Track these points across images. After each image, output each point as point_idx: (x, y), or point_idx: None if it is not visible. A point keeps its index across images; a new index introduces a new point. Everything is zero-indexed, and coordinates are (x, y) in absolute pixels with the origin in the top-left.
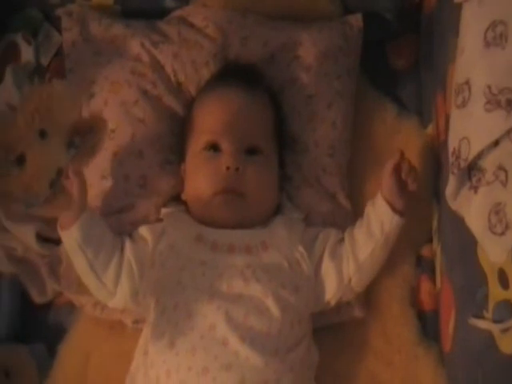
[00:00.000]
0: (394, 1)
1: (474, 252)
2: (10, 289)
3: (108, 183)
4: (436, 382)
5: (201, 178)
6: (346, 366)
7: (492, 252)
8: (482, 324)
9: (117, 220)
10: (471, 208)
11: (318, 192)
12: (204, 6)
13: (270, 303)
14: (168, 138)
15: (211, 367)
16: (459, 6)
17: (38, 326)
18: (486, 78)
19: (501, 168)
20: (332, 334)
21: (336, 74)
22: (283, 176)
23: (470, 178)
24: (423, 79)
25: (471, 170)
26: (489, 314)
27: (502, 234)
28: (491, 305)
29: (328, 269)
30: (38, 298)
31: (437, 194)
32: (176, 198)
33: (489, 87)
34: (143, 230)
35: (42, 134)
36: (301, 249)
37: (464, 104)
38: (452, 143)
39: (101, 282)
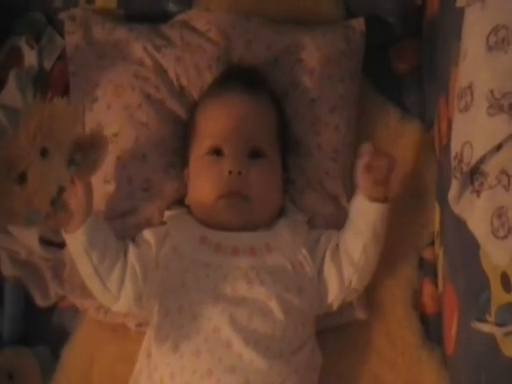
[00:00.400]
0: (396, 4)
1: (476, 256)
2: (14, 292)
3: (111, 187)
4: None
5: (204, 183)
6: (350, 368)
7: (495, 255)
8: (484, 328)
9: (121, 223)
10: (474, 212)
11: (321, 195)
12: (207, 10)
13: (274, 306)
14: (171, 141)
15: (215, 370)
16: (462, 11)
17: (42, 329)
18: (488, 83)
19: (503, 172)
20: (336, 335)
21: (339, 78)
22: (286, 179)
23: (472, 182)
24: (425, 83)
25: (474, 174)
26: (492, 318)
27: (505, 237)
28: (494, 308)
29: (330, 272)
30: (41, 302)
31: (439, 197)
32: (179, 202)
33: (491, 91)
34: (147, 234)
35: (44, 152)
36: (304, 251)
37: (467, 108)
38: (454, 147)
39: (105, 286)
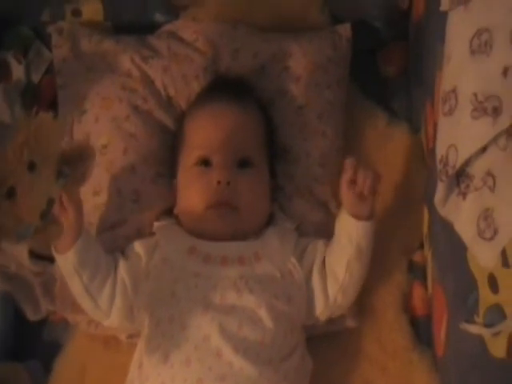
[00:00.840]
0: (382, 9)
1: (464, 258)
2: (3, 306)
3: (101, 199)
4: None
5: (193, 193)
6: (341, 375)
7: (482, 257)
8: (473, 329)
9: (110, 235)
10: (460, 214)
11: (309, 202)
12: (194, 20)
13: (263, 314)
14: (160, 152)
15: (206, 379)
16: (446, 14)
17: (33, 343)
18: (472, 86)
19: (489, 174)
20: (326, 342)
21: (326, 84)
22: (275, 187)
23: (458, 185)
24: (412, 87)
25: (459, 177)
26: (480, 319)
27: (491, 238)
28: (482, 310)
29: (316, 286)
30: (32, 316)
31: (427, 200)
32: (168, 212)
33: (475, 95)
34: (136, 245)
35: (31, 166)
36: (293, 259)
37: (451, 112)
38: (440, 151)
39: (96, 304)
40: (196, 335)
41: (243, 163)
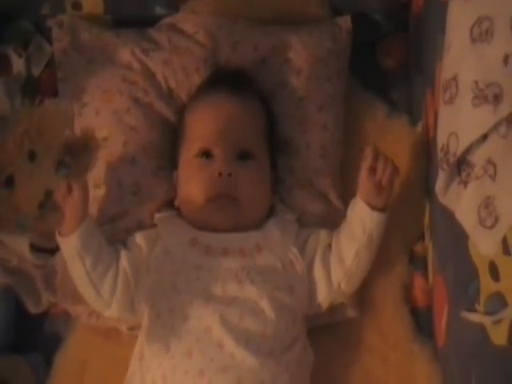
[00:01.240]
0: (382, 2)
1: (465, 246)
2: (5, 299)
3: (101, 191)
4: (431, 378)
5: (194, 185)
6: (342, 366)
7: (483, 245)
8: (474, 317)
9: (111, 227)
10: (461, 203)
11: (310, 193)
12: (194, 13)
13: (265, 305)
14: (160, 144)
15: (207, 370)
16: (446, 4)
17: (34, 336)
18: (472, 74)
19: (490, 162)
20: (327, 333)
21: (326, 77)
22: (275, 179)
23: (459, 173)
24: (412, 78)
25: (460, 165)
26: (481, 307)
27: (492, 226)
28: (483, 298)
29: (319, 274)
30: (33, 309)
31: (428, 191)
32: (169, 204)
33: (476, 82)
34: (138, 237)
35: (32, 156)
36: (294, 250)
37: (452, 100)
38: (440, 139)
39: (98, 292)
40: (197, 327)
41: (244, 155)
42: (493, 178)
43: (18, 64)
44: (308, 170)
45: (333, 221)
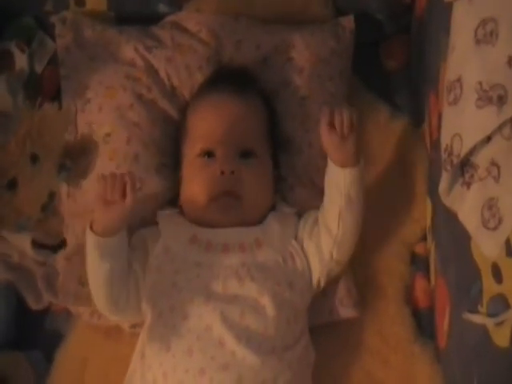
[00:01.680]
0: (385, 2)
1: (467, 248)
2: (6, 296)
3: None
4: (432, 379)
5: (196, 185)
6: (342, 366)
7: (486, 247)
8: (476, 319)
9: None
10: (464, 204)
11: (311, 192)
12: (197, 11)
13: (266, 302)
14: (163, 141)
15: (208, 368)
16: (450, 6)
17: (35, 333)
18: (477, 75)
19: (493, 164)
20: (328, 333)
21: (329, 76)
22: (278, 177)
23: (462, 174)
24: (415, 79)
25: (464, 167)
26: (483, 309)
27: (495, 228)
28: (485, 299)
29: (309, 248)
30: (34, 305)
31: (431, 192)
32: (171, 202)
33: (480, 84)
34: (140, 235)
35: (34, 158)
36: (294, 243)
37: (456, 101)
38: (444, 140)
39: (112, 297)
40: (198, 325)
41: (246, 154)
42: (496, 179)
43: (20, 60)
44: (310, 168)
45: None
